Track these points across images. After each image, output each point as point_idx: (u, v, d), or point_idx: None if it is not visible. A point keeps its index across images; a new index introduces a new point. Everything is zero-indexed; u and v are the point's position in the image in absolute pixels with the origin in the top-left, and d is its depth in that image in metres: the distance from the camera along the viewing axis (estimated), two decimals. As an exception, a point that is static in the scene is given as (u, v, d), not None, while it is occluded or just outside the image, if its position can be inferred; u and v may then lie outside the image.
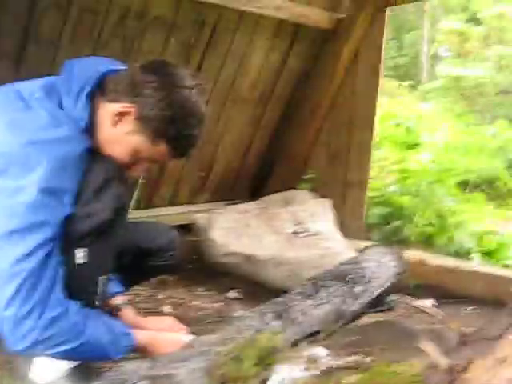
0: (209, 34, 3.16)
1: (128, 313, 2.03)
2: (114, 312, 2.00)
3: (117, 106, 1.64)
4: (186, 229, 3.36)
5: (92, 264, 1.62)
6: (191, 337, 1.93)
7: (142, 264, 2.15)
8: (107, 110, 1.66)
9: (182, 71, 1.70)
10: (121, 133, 1.66)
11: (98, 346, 1.62)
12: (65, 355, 1.60)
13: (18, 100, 1.59)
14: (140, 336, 1.77)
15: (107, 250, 1.70)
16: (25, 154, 1.49)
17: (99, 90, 1.67)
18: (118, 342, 1.68)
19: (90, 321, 1.61)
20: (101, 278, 1.68)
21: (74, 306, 1.58)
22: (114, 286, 2.02)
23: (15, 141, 1.50)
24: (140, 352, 1.82)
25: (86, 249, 1.60)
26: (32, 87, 1.63)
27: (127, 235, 2.07)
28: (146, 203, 3.41)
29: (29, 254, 1.48)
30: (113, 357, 1.69)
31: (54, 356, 1.60)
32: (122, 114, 1.64)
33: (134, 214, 3.12)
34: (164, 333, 1.94)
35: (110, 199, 1.61)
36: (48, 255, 1.51)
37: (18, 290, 1.48)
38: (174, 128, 1.66)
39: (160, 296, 2.85)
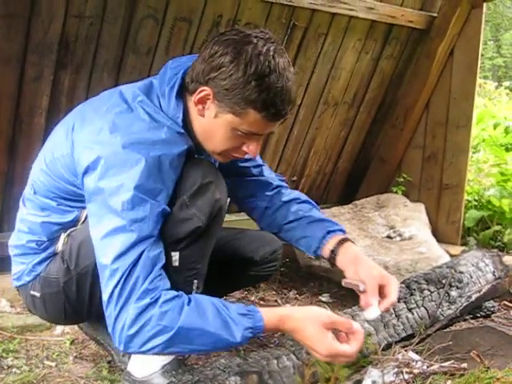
0: (300, 38, 3.16)
1: (349, 247, 1.85)
2: (331, 254, 1.87)
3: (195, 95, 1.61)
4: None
5: (185, 268, 1.62)
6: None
7: (242, 273, 2.13)
8: (192, 102, 1.64)
9: (247, 31, 1.60)
10: (210, 120, 1.62)
11: (204, 332, 1.47)
12: (169, 349, 1.49)
13: (121, 102, 1.63)
14: (270, 314, 1.54)
15: (202, 254, 1.70)
16: (125, 154, 1.52)
17: (184, 86, 1.66)
18: (234, 325, 1.48)
19: (189, 308, 1.49)
20: (195, 281, 1.67)
21: (166, 295, 1.49)
22: (330, 225, 1.93)
23: (117, 143, 1.53)
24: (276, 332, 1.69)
25: (179, 252, 1.61)
26: (134, 90, 1.67)
27: (232, 243, 2.08)
28: (239, 207, 3.46)
29: (126, 252, 1.49)
30: (232, 342, 1.48)
31: (160, 353, 1.51)
32: (201, 101, 1.61)
33: (226, 217, 3.19)
34: (305, 309, 1.63)
35: (206, 205, 1.61)
36: (144, 251, 1.50)
37: (114, 289, 1.48)
38: (253, 88, 1.53)
39: (252, 298, 2.88)
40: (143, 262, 1.49)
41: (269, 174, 2.08)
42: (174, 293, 1.50)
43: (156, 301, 1.47)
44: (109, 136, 1.55)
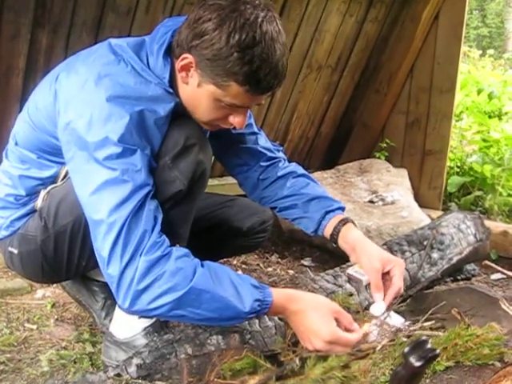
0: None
1: (349, 231, 1.80)
2: (332, 237, 1.83)
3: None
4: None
5: (167, 231, 1.50)
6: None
7: (228, 242, 2.07)
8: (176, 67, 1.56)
9: None
10: (193, 88, 1.54)
11: (214, 297, 1.41)
12: (174, 311, 1.42)
13: (109, 53, 1.55)
14: (279, 292, 1.51)
15: (184, 217, 1.65)
16: (109, 108, 1.45)
17: (172, 48, 1.58)
18: (245, 294, 1.43)
19: (203, 269, 1.43)
20: (177, 245, 1.56)
21: (179, 251, 1.44)
22: (329, 203, 1.87)
23: (101, 96, 1.46)
24: (281, 314, 1.57)
25: (160, 216, 1.50)
26: (123, 44, 1.58)
27: (220, 210, 2.03)
28: (221, 171, 3.44)
29: (123, 202, 1.41)
30: (239, 310, 1.43)
31: (164, 315, 1.45)
32: (184, 68, 1.52)
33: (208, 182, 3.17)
34: (315, 295, 1.65)
35: (188, 167, 1.56)
36: (142, 201, 1.43)
37: (114, 244, 1.39)
38: (235, 60, 1.44)
39: (234, 262, 2.88)
40: (146, 213, 1.42)
41: (264, 144, 1.98)
42: (185, 250, 1.45)
43: (168, 255, 1.41)
44: (94, 88, 1.47)
